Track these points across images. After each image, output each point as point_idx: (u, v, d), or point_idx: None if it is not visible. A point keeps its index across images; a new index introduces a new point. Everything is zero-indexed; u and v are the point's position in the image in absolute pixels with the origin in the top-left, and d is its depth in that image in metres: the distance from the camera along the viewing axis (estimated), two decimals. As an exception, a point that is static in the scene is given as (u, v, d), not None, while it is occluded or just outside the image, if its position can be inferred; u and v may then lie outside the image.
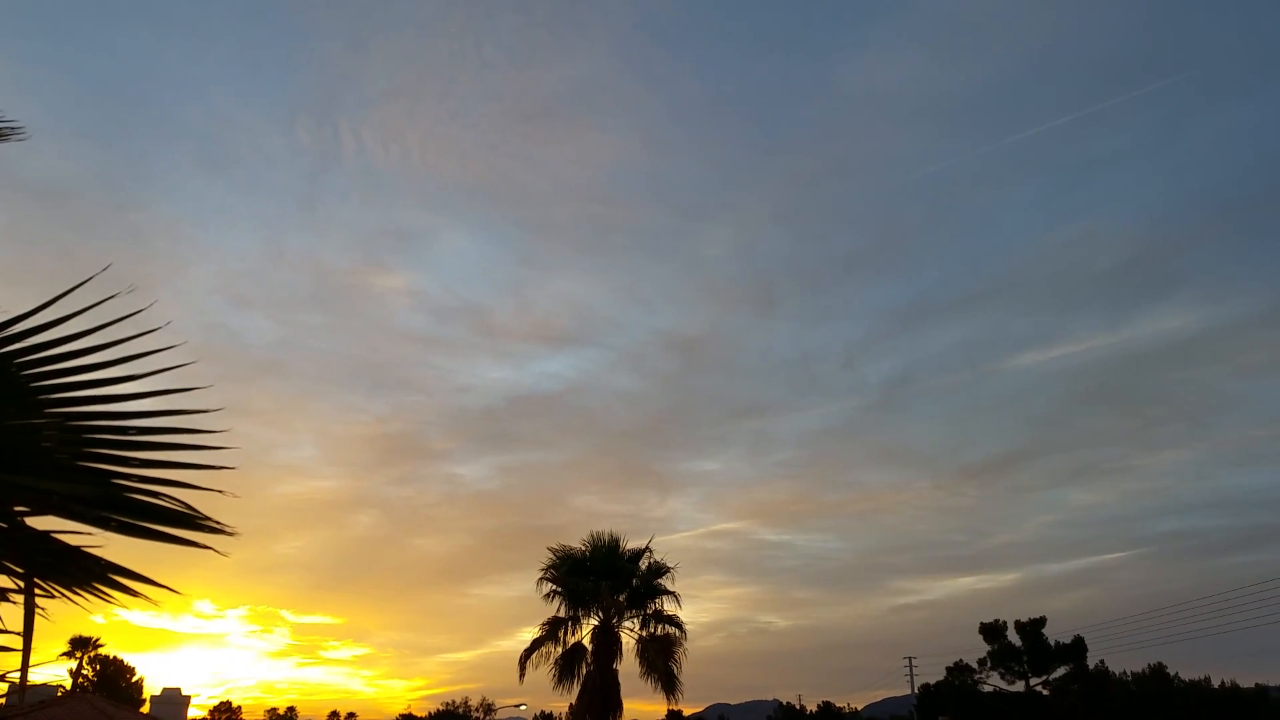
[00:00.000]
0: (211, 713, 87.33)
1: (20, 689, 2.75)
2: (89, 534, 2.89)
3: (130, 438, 2.92)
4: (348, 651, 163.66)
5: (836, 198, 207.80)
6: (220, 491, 2.87)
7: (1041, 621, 61.33)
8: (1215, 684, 72.44)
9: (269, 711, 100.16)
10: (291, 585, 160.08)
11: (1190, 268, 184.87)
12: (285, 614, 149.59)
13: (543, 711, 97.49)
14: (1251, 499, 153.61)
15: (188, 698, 40.31)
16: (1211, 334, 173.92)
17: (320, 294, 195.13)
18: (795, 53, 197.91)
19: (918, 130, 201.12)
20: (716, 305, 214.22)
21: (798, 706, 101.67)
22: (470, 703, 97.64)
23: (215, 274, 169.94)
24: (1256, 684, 76.07)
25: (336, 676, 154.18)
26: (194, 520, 2.83)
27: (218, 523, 2.83)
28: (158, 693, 40.98)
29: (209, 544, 2.83)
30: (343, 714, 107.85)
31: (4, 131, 3.52)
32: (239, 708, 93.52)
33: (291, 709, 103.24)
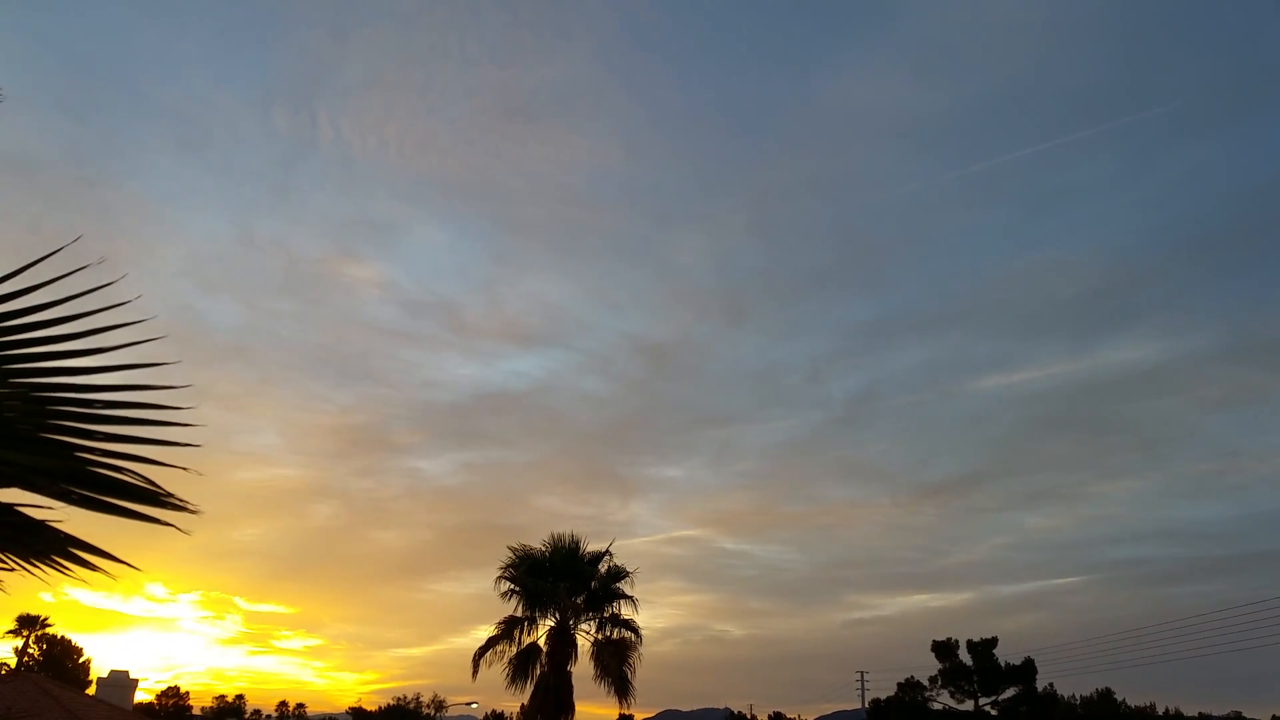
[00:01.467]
0: (159, 697, 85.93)
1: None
2: (49, 507, 2.88)
3: (95, 411, 2.91)
4: (300, 642, 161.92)
5: (810, 213, 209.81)
6: (185, 469, 2.86)
7: (993, 642, 62.13)
8: (1160, 710, 73.90)
9: (217, 699, 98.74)
10: (246, 572, 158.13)
11: (1152, 301, 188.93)
12: (238, 601, 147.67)
13: (494, 711, 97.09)
14: (1202, 530, 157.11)
15: (135, 681, 39.59)
16: (1170, 367, 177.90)
17: (290, 281, 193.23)
18: (776, 68, 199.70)
19: (892, 151, 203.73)
20: (687, 313, 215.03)
21: (749, 716, 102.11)
22: (421, 699, 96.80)
23: (184, 255, 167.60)
24: (1200, 712, 77.76)
25: (287, 666, 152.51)
26: (157, 496, 2.82)
27: (181, 500, 2.83)
28: (105, 675, 40.21)
29: (171, 521, 2.83)
30: (292, 704, 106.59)
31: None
32: (187, 693, 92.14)
33: (240, 697, 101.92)
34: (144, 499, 2.82)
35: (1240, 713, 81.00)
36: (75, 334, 3.00)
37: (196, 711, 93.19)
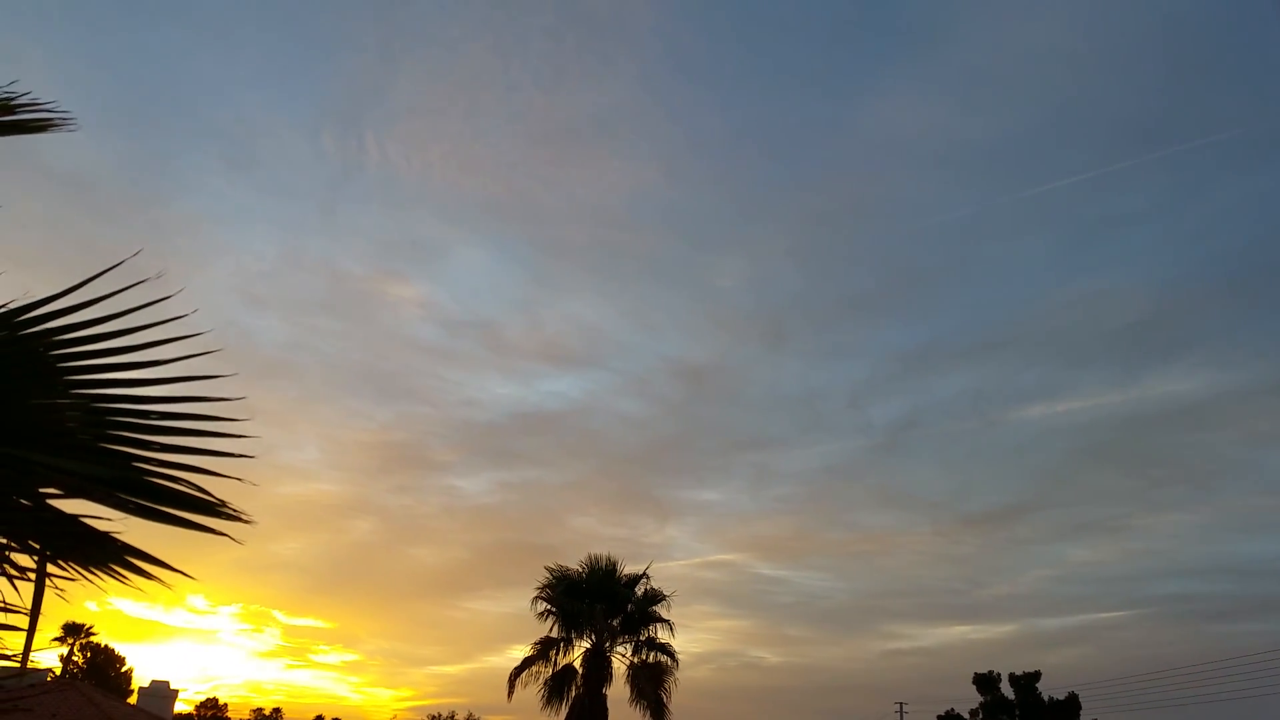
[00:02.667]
0: (198, 708, 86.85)
1: (21, 670, 2.76)
2: (108, 518, 2.92)
3: (152, 422, 2.96)
4: (337, 656, 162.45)
5: (851, 238, 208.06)
6: (239, 480, 2.90)
7: (1036, 675, 60.54)
8: (1210, 751, 71.34)
9: (255, 711, 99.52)
10: (285, 586, 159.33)
11: (1200, 332, 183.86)
12: (277, 614, 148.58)
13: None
14: (1254, 567, 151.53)
15: (175, 691, 40.14)
16: (1219, 399, 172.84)
17: (334, 299, 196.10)
18: (818, 93, 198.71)
19: (935, 177, 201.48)
20: (726, 336, 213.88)
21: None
22: (456, 716, 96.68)
23: (233, 272, 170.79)
24: (1252, 754, 74.92)
25: (324, 681, 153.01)
26: (212, 506, 2.86)
27: (235, 510, 2.86)
28: (146, 684, 40.82)
29: (225, 531, 2.86)
30: (328, 719, 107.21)
31: (57, 121, 3.60)
32: (225, 705, 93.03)
33: (278, 710, 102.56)
34: (199, 509, 2.86)
35: (1294, 756, 78.01)
36: (132, 346, 3.06)
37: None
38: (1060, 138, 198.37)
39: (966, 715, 62.68)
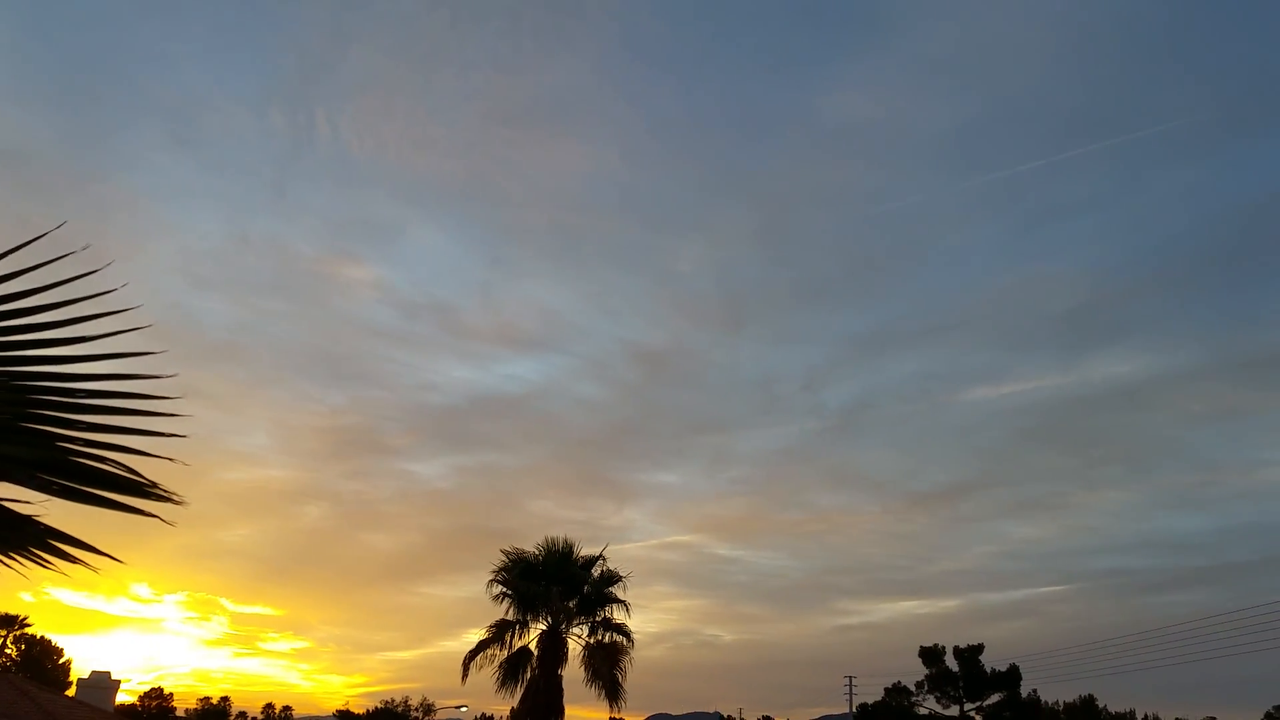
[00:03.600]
0: (142, 699, 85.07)
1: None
2: (28, 501, 2.76)
3: (77, 400, 2.80)
4: (287, 644, 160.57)
5: (810, 223, 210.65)
6: (170, 460, 2.75)
7: (979, 648, 62.28)
8: (1140, 716, 74.28)
9: (202, 700, 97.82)
10: (233, 573, 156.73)
11: (1137, 318, 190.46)
12: (225, 602, 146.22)
13: (484, 714, 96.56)
14: (1185, 541, 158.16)
15: (117, 682, 39.16)
16: (1155, 382, 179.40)
17: (283, 280, 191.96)
18: (778, 79, 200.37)
19: (888, 165, 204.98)
20: (684, 320, 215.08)
21: (738, 719, 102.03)
22: (410, 702, 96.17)
23: (176, 252, 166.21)
24: (1177, 718, 78.23)
25: (274, 669, 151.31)
26: (141, 487, 2.71)
27: (166, 490, 2.72)
28: (86, 676, 39.77)
29: (155, 512, 2.72)
30: (278, 707, 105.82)
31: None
32: (171, 695, 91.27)
33: (226, 699, 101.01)
34: (127, 490, 2.71)
35: (1215, 718, 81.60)
36: (58, 322, 2.89)
37: (180, 713, 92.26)
38: (1011, 126, 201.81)
39: (913, 688, 64.22)
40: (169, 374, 2.84)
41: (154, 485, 2.71)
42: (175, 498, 2.72)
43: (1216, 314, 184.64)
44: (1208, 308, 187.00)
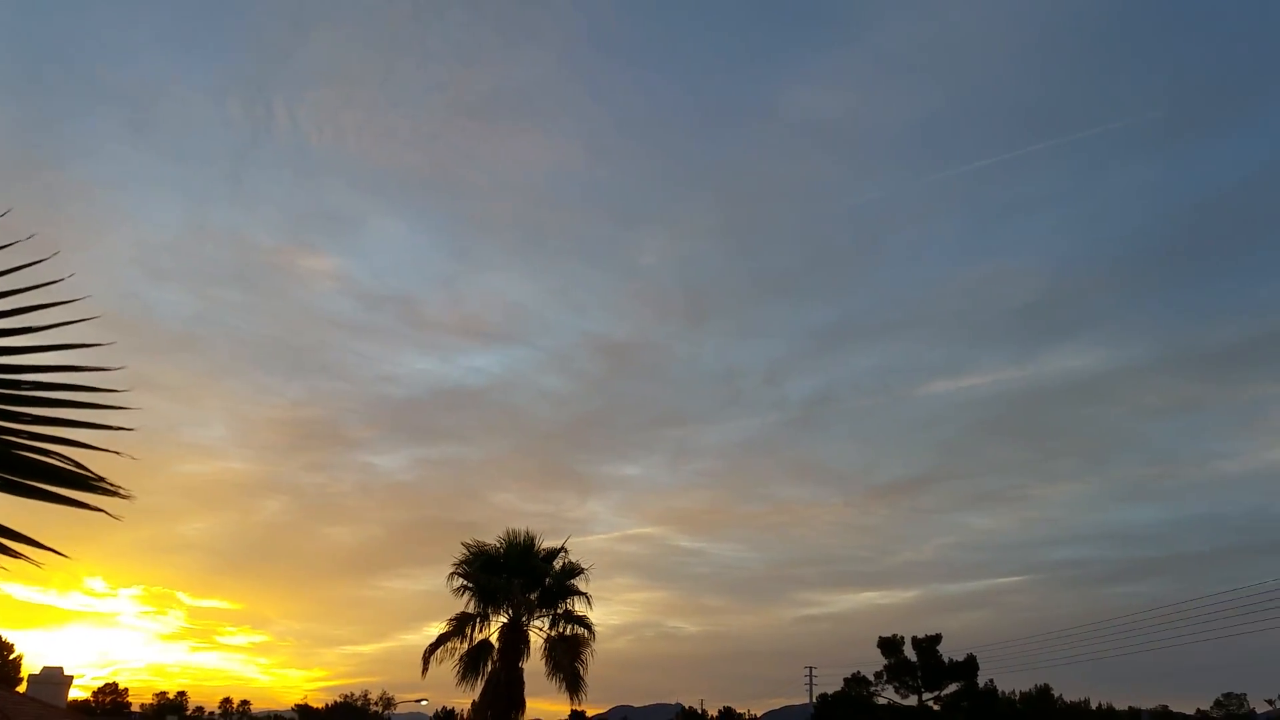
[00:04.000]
0: (95, 694, 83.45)
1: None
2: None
3: (21, 392, 2.75)
4: (245, 638, 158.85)
5: (773, 217, 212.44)
6: (117, 453, 2.71)
7: (937, 639, 63.25)
8: (1094, 705, 76.01)
9: (158, 696, 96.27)
10: (190, 567, 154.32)
11: (1093, 312, 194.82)
12: (182, 596, 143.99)
13: (444, 708, 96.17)
14: (1138, 533, 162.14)
15: (70, 678, 38.33)
16: (1110, 376, 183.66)
17: (242, 271, 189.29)
18: (741, 74, 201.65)
19: (850, 161, 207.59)
20: (648, 313, 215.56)
21: (700, 711, 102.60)
22: (370, 696, 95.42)
23: (132, 243, 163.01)
24: (1130, 707, 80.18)
25: (232, 663, 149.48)
26: (87, 481, 2.67)
27: (113, 485, 2.67)
28: (37, 672, 38.90)
29: (101, 507, 2.68)
30: (236, 701, 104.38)
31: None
32: (126, 690, 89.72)
33: (182, 694, 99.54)
34: (73, 484, 2.66)
35: (1167, 706, 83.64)
36: (2, 311, 2.83)
37: (136, 709, 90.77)
38: (970, 123, 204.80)
39: (872, 678, 65.10)
40: (116, 366, 2.80)
41: (100, 479, 2.67)
42: (122, 492, 2.68)
43: (1171, 309, 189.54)
44: (1162, 302, 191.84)
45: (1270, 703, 74.13)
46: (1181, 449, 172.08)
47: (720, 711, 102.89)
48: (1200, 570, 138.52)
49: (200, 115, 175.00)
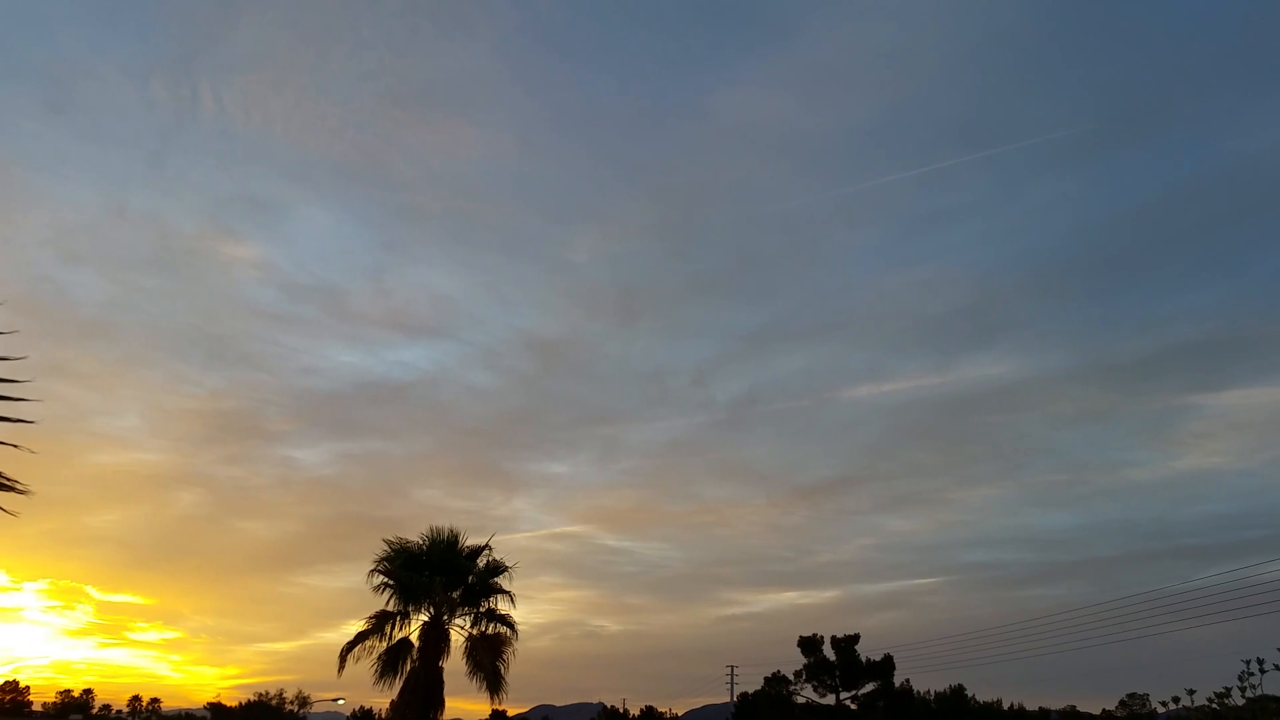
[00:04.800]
0: (-11, 693, 79.55)
1: None
2: None
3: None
4: (156, 634, 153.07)
5: (703, 219, 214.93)
6: (15, 446, 2.64)
7: (855, 638, 64.60)
8: (1005, 706, 78.63)
9: (62, 694, 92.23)
10: (100, 561, 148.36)
11: (1010, 321, 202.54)
12: (90, 590, 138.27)
13: (362, 707, 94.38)
14: (1051, 537, 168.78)
15: (-40, 676, 36.56)
16: (1026, 384, 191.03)
17: (161, 257, 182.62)
18: (675, 75, 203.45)
19: (780, 166, 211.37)
20: (578, 311, 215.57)
21: (621, 710, 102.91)
22: (285, 694, 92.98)
23: (46, 224, 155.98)
24: (1040, 707, 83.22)
25: (142, 660, 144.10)
26: (-19, 475, 2.59)
27: (8, 479, 2.61)
28: (-76, 670, 36.95)
29: (-4, 501, 2.60)
30: (145, 699, 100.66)
31: None
32: (27, 688, 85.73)
33: (89, 692, 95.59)
34: (-34, 477, 2.59)
35: (1075, 707, 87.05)
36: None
37: (37, 708, 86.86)
38: (894, 134, 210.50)
39: (792, 677, 66.17)
40: (17, 356, 2.73)
41: (-4, 473, 2.60)
42: (19, 486, 2.61)
43: (1085, 320, 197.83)
44: (1077, 313, 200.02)
45: (1166, 705, 77.62)
46: (1092, 457, 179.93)
47: (642, 710, 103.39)
48: (1110, 574, 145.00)
49: (122, 95, 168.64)
